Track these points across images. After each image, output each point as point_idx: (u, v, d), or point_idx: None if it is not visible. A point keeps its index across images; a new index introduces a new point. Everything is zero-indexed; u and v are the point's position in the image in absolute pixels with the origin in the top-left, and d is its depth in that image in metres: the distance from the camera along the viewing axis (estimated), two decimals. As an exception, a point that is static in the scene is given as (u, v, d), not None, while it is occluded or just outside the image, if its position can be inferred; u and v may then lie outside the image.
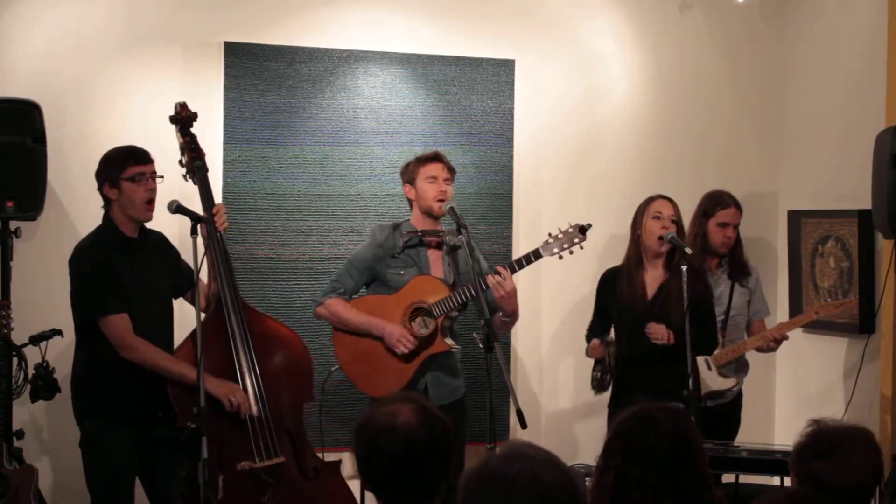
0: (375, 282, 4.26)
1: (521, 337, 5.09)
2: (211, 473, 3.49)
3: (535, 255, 4.10)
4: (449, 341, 4.15)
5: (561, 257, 4.13)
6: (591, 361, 4.78)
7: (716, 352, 4.53)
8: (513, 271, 4.08)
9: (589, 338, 4.59)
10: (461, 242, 4.05)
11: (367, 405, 4.28)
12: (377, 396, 4.09)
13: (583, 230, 4.12)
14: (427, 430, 2.23)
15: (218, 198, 4.37)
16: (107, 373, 3.76)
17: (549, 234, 4.14)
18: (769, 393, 5.47)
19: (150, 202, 3.84)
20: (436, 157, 4.28)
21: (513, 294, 4.07)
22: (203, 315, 3.69)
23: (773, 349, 4.72)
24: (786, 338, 4.62)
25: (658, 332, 4.23)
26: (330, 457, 4.07)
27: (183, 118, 4.04)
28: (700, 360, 4.38)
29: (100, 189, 3.85)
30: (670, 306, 4.25)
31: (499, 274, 4.02)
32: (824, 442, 2.52)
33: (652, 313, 4.29)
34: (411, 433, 2.22)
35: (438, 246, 4.27)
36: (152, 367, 3.73)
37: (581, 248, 4.15)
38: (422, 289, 4.14)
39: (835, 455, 2.47)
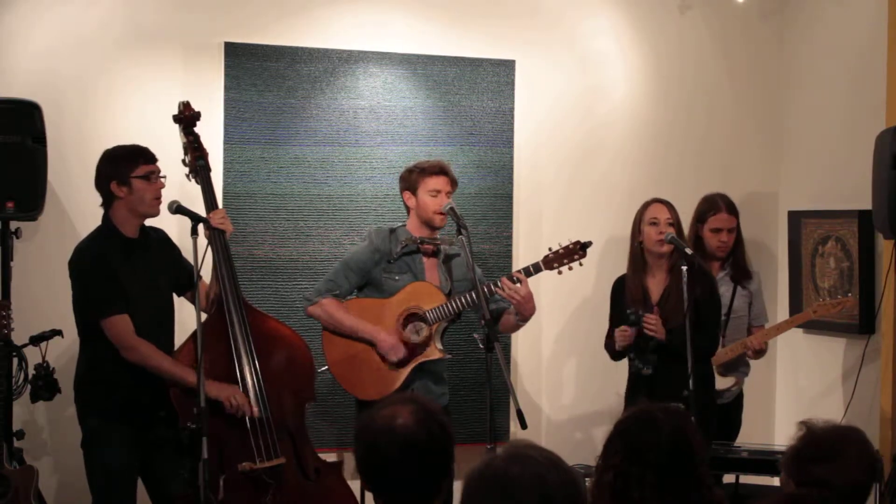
0: (368, 285, 4.24)
1: (522, 337, 5.09)
2: (212, 474, 3.49)
3: (535, 268, 4.13)
4: (441, 348, 4.15)
5: (560, 272, 4.15)
6: (591, 363, 4.79)
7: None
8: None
9: (608, 345, 4.46)
10: (457, 250, 4.04)
11: (355, 407, 4.27)
12: (364, 399, 4.09)
13: (584, 247, 4.14)
14: (426, 431, 2.23)
15: (218, 198, 4.35)
16: (109, 373, 3.76)
17: (550, 249, 4.16)
18: (769, 393, 5.46)
19: (158, 198, 3.85)
20: (441, 171, 4.21)
21: (529, 298, 4.09)
22: (204, 315, 3.69)
23: (752, 358, 4.69)
24: (764, 348, 4.61)
25: (652, 322, 4.19)
26: (323, 457, 4.05)
27: (186, 117, 4.04)
28: None
29: (104, 187, 3.82)
30: (670, 310, 4.23)
31: (517, 281, 4.04)
32: (820, 445, 2.53)
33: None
34: (410, 435, 2.22)
35: (434, 254, 4.26)
36: (153, 369, 3.72)
37: (581, 264, 4.16)
38: (418, 295, 4.14)
39: (833, 458, 2.48)
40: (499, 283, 4.07)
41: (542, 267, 4.13)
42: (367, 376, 4.13)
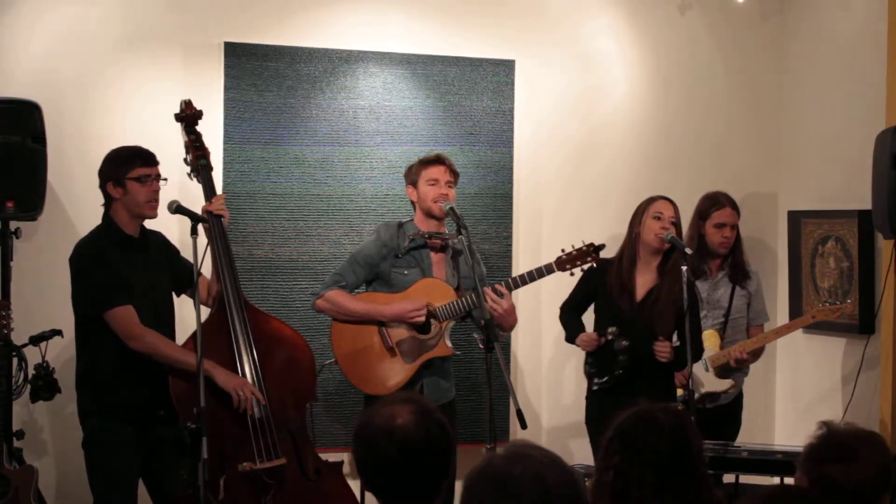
0: (377, 280, 4.24)
1: (521, 337, 5.09)
2: (212, 474, 3.48)
3: (548, 269, 4.14)
4: (450, 345, 4.16)
5: (572, 274, 4.17)
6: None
7: (712, 353, 4.53)
8: (523, 283, 4.12)
9: (564, 316, 4.50)
10: (463, 246, 4.05)
11: (363, 403, 4.27)
12: (372, 394, 4.09)
13: (596, 250, 4.16)
14: (425, 431, 2.22)
15: (218, 198, 4.36)
16: (109, 372, 3.75)
17: (563, 251, 4.17)
18: (769, 393, 5.47)
19: (154, 201, 3.85)
20: (438, 160, 4.25)
21: (510, 312, 4.10)
22: (204, 315, 3.69)
23: (736, 367, 4.64)
24: (743, 358, 4.52)
25: (666, 350, 4.18)
26: (323, 457, 4.05)
27: (188, 116, 4.04)
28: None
29: (102, 186, 3.84)
30: (656, 312, 4.22)
31: (498, 293, 4.03)
32: (836, 445, 2.53)
33: (639, 317, 4.24)
34: (409, 435, 2.21)
35: (442, 249, 4.26)
36: (160, 357, 3.72)
37: (594, 266, 4.17)
38: (429, 291, 4.14)
39: (847, 458, 2.48)
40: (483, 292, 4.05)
41: (555, 268, 4.14)
42: (375, 370, 4.13)
